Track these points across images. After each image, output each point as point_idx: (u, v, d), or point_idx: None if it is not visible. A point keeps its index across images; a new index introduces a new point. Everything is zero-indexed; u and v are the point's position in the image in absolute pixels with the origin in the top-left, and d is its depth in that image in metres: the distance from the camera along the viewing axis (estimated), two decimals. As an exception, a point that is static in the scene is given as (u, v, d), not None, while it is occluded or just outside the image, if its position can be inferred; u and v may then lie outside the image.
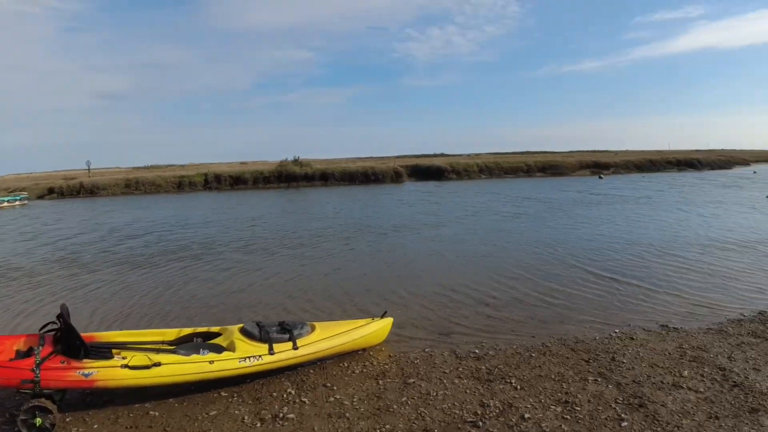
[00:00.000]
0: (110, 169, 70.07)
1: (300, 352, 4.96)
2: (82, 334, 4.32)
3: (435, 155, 75.23)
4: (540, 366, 5.09)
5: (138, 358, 4.34)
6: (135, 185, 39.96)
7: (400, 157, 70.12)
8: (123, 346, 4.66)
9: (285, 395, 4.58)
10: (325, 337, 5.20)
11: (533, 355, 5.40)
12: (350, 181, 41.53)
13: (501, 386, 4.63)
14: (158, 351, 4.63)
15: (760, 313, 6.66)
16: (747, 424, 3.82)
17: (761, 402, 4.14)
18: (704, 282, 8.27)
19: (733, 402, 4.19)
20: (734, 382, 4.57)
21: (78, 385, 4.19)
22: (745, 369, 4.86)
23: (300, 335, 5.08)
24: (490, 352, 5.51)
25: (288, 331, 5.06)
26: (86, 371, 4.13)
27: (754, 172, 44.46)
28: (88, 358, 4.21)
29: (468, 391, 4.57)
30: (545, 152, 74.65)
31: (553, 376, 4.83)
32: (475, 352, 5.52)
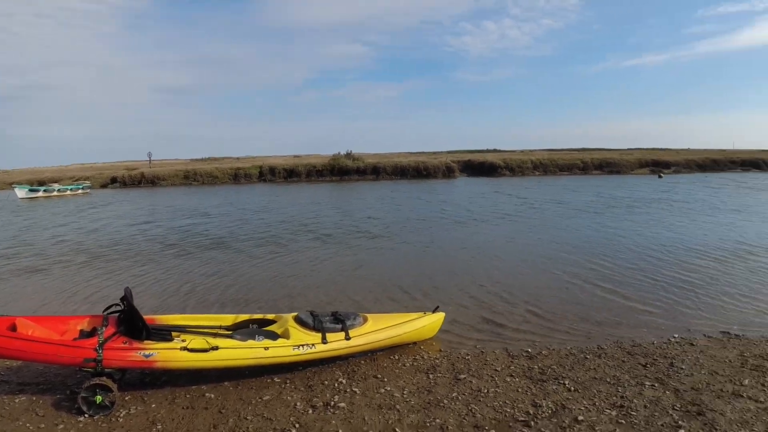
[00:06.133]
0: (170, 160, 72.48)
1: (352, 342, 5.02)
2: (144, 317, 4.50)
3: (488, 151, 74.11)
4: (595, 368, 4.97)
5: (197, 341, 4.49)
6: (193, 176, 41.29)
7: (453, 153, 69.44)
8: (182, 329, 4.83)
9: (336, 384, 4.64)
10: (377, 329, 5.24)
11: (588, 356, 5.28)
12: (401, 176, 41.56)
13: (554, 387, 4.55)
14: (216, 335, 4.78)
15: (832, 322, 6.29)
16: (815, 438, 3.63)
17: (831, 415, 3.92)
18: (772, 288, 7.87)
19: (798, 414, 3.98)
20: (800, 393, 4.35)
21: (138, 365, 4.36)
22: (813, 380, 4.61)
23: (352, 326, 5.14)
24: (543, 352, 5.43)
25: (341, 322, 5.13)
26: (147, 352, 4.30)
27: None
28: (149, 339, 4.38)
29: (520, 390, 4.51)
30: (602, 149, 72.44)
31: (608, 380, 4.71)
32: (527, 351, 5.44)
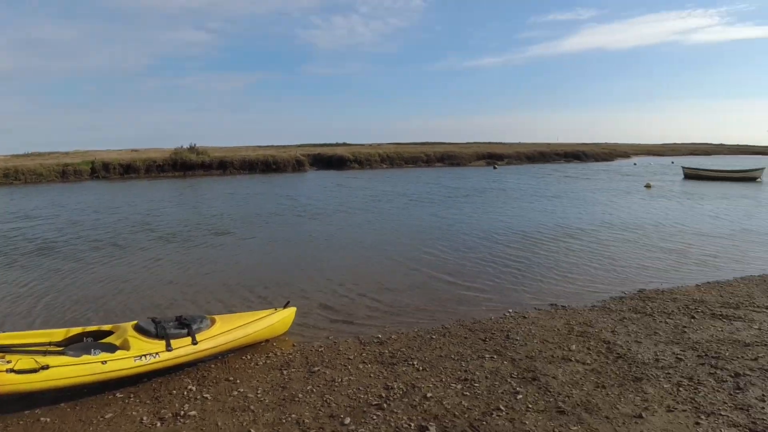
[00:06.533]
0: (-18, 157, 63.67)
1: (200, 346, 4.83)
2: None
3: (337, 144, 74.95)
4: (440, 347, 5.30)
5: (24, 361, 4.03)
6: (14, 175, 36.61)
7: (302, 146, 69.25)
8: (6, 349, 4.33)
9: (185, 392, 4.44)
10: (225, 330, 5.10)
11: (434, 336, 5.61)
12: (250, 170, 40.53)
13: (404, 368, 4.78)
14: (45, 353, 4.35)
15: (639, 291, 7.34)
16: (631, 392, 4.20)
17: (644, 371, 4.57)
18: (589, 263, 8.98)
19: (617, 372, 4.59)
20: (618, 354, 5.01)
21: None
22: (628, 342, 5.33)
23: (199, 329, 4.95)
24: (392, 336, 5.67)
25: (186, 326, 4.91)
26: (-35, 378, 3.79)
27: (635, 164, 48.45)
28: (-34, 363, 3.87)
29: (372, 375, 4.67)
30: (444, 143, 76.86)
31: (452, 356, 5.05)
32: (378, 337, 5.65)
